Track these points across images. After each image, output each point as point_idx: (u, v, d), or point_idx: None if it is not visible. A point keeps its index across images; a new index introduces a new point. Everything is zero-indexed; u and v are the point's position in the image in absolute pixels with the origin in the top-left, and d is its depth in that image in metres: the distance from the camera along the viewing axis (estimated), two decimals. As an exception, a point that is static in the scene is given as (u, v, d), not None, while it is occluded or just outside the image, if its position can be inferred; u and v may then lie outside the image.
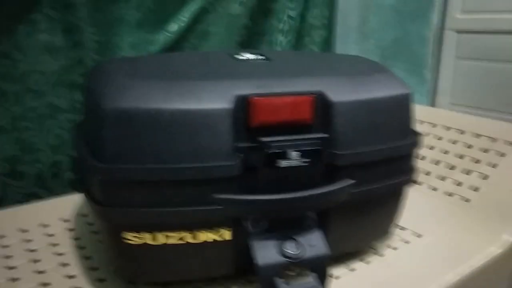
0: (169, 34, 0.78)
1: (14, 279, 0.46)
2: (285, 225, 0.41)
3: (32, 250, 0.51)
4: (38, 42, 0.66)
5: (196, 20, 0.80)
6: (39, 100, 0.69)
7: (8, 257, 0.50)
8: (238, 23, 0.85)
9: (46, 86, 0.69)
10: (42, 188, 0.71)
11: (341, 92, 0.41)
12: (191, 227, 0.39)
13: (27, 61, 0.66)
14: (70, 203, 0.63)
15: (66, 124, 0.72)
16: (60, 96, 0.70)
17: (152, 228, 0.39)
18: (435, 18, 0.86)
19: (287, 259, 0.40)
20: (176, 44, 0.80)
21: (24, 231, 0.55)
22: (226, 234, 0.40)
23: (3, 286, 0.44)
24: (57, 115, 0.71)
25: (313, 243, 0.41)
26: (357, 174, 0.42)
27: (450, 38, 0.88)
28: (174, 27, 0.78)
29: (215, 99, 0.38)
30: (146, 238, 0.39)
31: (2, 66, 0.64)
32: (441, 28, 0.89)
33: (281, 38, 0.91)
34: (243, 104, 0.39)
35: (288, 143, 0.39)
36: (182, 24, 0.79)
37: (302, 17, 0.94)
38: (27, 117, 0.68)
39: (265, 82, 0.41)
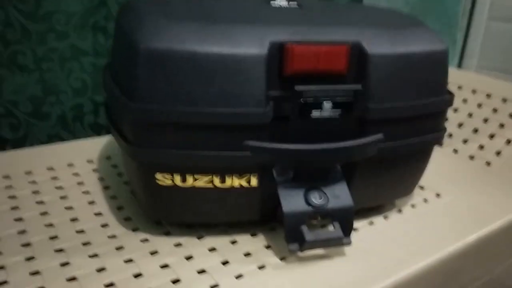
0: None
1: (43, 213, 0.47)
2: (311, 176, 0.42)
3: (59, 187, 0.52)
4: (61, -20, 0.65)
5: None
6: (62, 41, 0.68)
7: (36, 192, 0.51)
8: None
9: (69, 27, 0.68)
10: (64, 129, 0.71)
11: (377, 44, 0.40)
12: (220, 172, 0.40)
13: (51, 1, 0.65)
14: (93, 146, 0.64)
15: (88, 67, 0.71)
16: (83, 38, 0.70)
17: (182, 170, 0.39)
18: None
19: (312, 208, 0.41)
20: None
21: (50, 169, 0.56)
22: (253, 181, 0.41)
23: (33, 219, 0.46)
24: (80, 58, 0.70)
25: (337, 194, 0.42)
26: (388, 129, 0.41)
27: (484, -3, 0.84)
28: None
29: (249, 44, 0.38)
30: (175, 179, 0.40)
31: (26, 4, 0.64)
32: (476, -14, 0.85)
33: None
34: (278, 51, 0.38)
35: (321, 93, 0.39)
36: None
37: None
38: (50, 57, 0.68)
39: (300, 29, 0.40)
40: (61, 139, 0.71)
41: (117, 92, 0.40)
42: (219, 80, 0.37)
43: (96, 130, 0.74)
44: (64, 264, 0.40)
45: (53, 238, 0.43)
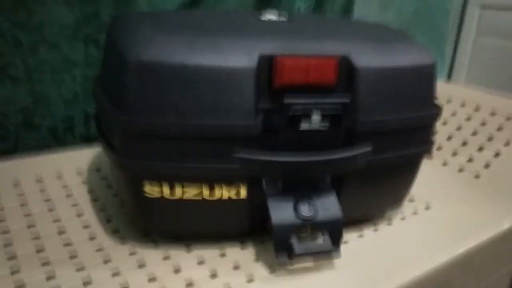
0: (186, -8, 0.76)
1: (30, 226, 0.47)
2: (300, 187, 0.42)
3: (47, 200, 0.52)
4: (54, -8, 0.65)
5: (214, -20, 0.79)
6: (54, 53, 0.68)
7: (23, 204, 0.51)
8: (256, -15, 0.83)
9: (62, 38, 0.68)
10: (55, 141, 0.71)
11: (366, 58, 0.41)
12: (208, 183, 0.40)
13: (43, 12, 0.65)
14: (83, 157, 0.64)
15: (80, 79, 0.71)
16: (75, 50, 0.70)
17: (170, 182, 0.39)
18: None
19: (301, 220, 0.41)
20: (193, 3, 0.78)
21: (38, 180, 0.56)
22: (242, 193, 0.41)
23: (20, 231, 0.45)
24: (72, 69, 0.70)
25: (327, 206, 0.42)
26: (376, 141, 0.42)
27: (472, 13, 0.86)
28: (191, -15, 0.77)
29: (239, 57, 0.38)
30: (164, 191, 0.39)
31: (18, 15, 0.64)
32: (464, 2, 0.87)
33: (300, 3, 0.89)
34: (267, 64, 0.38)
35: (310, 106, 0.39)
36: (200, -17, 0.77)
37: (322, -17, 0.92)
38: (41, 69, 0.68)
39: (289, 42, 0.40)
40: (51, 150, 0.70)
41: (106, 103, 0.40)
42: (208, 93, 0.37)
43: (87, 142, 0.74)
44: (50, 278, 0.39)
45: (39, 251, 0.43)
